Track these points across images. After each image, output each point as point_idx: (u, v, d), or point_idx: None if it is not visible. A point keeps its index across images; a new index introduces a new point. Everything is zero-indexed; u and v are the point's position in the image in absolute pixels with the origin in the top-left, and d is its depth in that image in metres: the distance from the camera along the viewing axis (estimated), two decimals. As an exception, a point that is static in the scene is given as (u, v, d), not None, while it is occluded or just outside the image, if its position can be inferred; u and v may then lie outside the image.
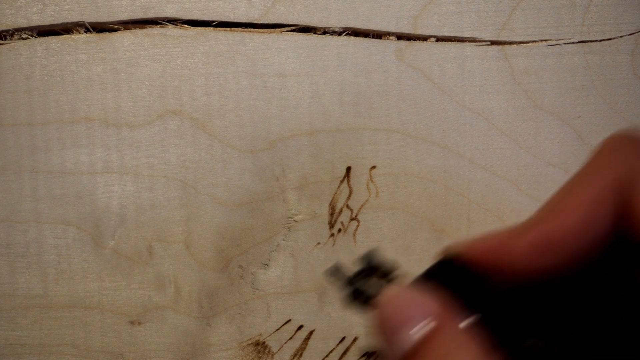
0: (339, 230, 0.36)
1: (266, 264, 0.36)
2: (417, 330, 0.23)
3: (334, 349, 0.36)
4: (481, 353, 0.22)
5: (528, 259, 0.23)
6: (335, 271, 0.28)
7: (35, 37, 0.35)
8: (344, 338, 0.36)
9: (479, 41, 0.36)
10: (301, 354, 0.36)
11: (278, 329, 0.36)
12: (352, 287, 0.26)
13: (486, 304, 0.24)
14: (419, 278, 0.26)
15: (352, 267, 0.28)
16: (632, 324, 0.25)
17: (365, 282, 0.27)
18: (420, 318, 0.23)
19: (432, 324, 0.23)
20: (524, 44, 0.36)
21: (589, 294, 0.26)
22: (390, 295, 0.24)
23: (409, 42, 0.36)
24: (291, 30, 0.35)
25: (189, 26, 0.35)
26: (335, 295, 0.36)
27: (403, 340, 0.23)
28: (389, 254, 0.36)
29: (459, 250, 0.25)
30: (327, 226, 0.36)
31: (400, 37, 0.36)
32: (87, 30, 0.35)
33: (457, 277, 0.25)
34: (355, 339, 0.36)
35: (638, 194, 0.22)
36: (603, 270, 0.25)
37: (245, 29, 0.35)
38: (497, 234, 0.25)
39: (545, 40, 0.36)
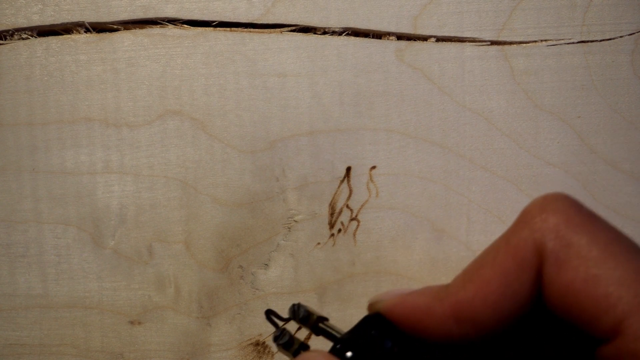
0: (339, 231, 0.36)
1: (266, 264, 0.36)
2: None
3: (334, 349, 0.36)
4: None
5: (447, 325, 0.24)
6: (268, 316, 0.29)
7: (35, 37, 0.35)
8: (344, 338, 0.36)
9: (479, 41, 0.36)
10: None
11: (278, 329, 0.36)
12: (283, 338, 0.28)
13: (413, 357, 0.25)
14: (346, 334, 0.26)
15: (284, 315, 0.29)
16: None
17: (293, 335, 0.28)
18: None
19: None
20: (524, 44, 0.36)
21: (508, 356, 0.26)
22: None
23: (409, 42, 0.36)
24: (291, 30, 0.35)
25: (189, 26, 0.35)
26: (335, 294, 0.36)
27: None
28: (389, 254, 0.36)
29: (383, 308, 0.26)
30: (327, 226, 0.36)
31: (400, 37, 0.36)
32: (87, 30, 0.35)
33: (382, 332, 0.26)
34: (355, 339, 0.36)
35: (548, 258, 0.22)
36: (524, 335, 0.26)
37: (245, 29, 0.35)
38: (419, 296, 0.25)
39: (545, 40, 0.36)
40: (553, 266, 0.22)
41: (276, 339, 0.28)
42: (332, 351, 0.26)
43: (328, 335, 0.27)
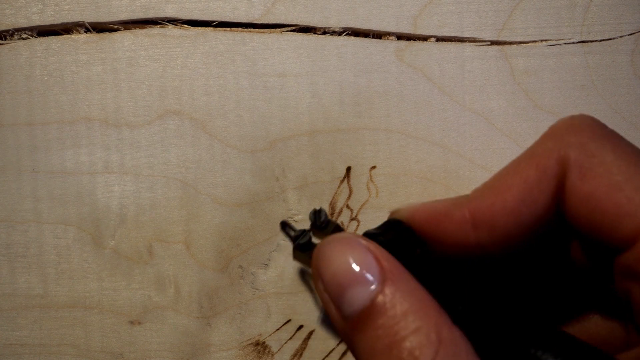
0: (339, 230, 0.36)
1: (266, 264, 0.36)
2: (367, 293, 0.22)
3: (334, 349, 0.36)
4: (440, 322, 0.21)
5: (465, 231, 0.23)
6: (284, 226, 0.29)
7: (35, 37, 0.35)
8: (344, 338, 0.36)
9: (479, 41, 0.36)
10: (301, 354, 0.36)
11: (278, 329, 0.36)
12: (301, 239, 0.27)
13: (425, 269, 0.24)
14: (364, 234, 0.26)
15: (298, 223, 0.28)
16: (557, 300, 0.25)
17: (311, 237, 0.27)
18: (371, 277, 0.22)
19: (381, 288, 0.21)
20: (524, 44, 0.36)
21: (524, 269, 0.26)
22: (339, 241, 0.23)
23: (409, 42, 0.36)
24: (291, 30, 0.35)
25: (189, 26, 0.35)
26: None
27: (357, 298, 0.22)
28: (389, 254, 0.36)
29: (404, 214, 0.25)
30: (327, 226, 0.36)
31: (400, 37, 0.36)
32: (87, 30, 0.35)
33: (400, 239, 0.25)
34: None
35: (572, 167, 0.22)
36: (541, 248, 0.25)
37: (245, 29, 0.35)
38: (439, 202, 0.25)
39: (545, 40, 0.36)
40: (576, 174, 0.22)
41: (296, 238, 0.27)
42: (367, 234, 0.25)
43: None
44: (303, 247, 0.27)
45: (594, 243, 0.22)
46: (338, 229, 0.27)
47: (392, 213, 0.27)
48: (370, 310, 0.21)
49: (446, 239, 0.24)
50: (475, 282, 0.26)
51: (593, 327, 0.25)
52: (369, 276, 0.22)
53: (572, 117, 0.24)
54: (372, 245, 0.23)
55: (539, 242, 0.24)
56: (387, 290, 0.21)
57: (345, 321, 0.22)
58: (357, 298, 0.22)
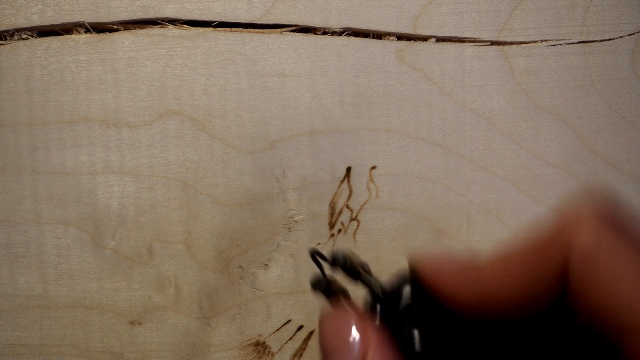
0: (339, 231, 0.36)
1: (266, 264, 0.36)
2: None
3: (334, 349, 0.36)
4: None
5: (472, 297, 0.25)
6: (314, 258, 0.29)
7: (35, 38, 0.35)
8: (344, 338, 0.36)
9: (479, 41, 0.36)
10: (301, 354, 0.36)
11: (278, 329, 0.36)
12: (320, 285, 0.28)
13: (433, 330, 0.26)
14: (377, 292, 0.27)
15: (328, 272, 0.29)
16: None
17: (336, 283, 0.28)
18: (351, 353, 0.25)
19: None
20: (524, 44, 0.36)
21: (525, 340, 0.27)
22: (333, 317, 0.26)
23: (409, 42, 0.36)
24: (291, 31, 0.35)
25: (189, 26, 0.35)
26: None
27: None
28: (389, 254, 0.36)
29: (418, 264, 0.26)
30: (327, 226, 0.36)
31: (400, 37, 0.36)
32: (87, 31, 0.35)
33: (413, 294, 0.26)
34: (355, 339, 0.36)
35: (574, 271, 0.23)
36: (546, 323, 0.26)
37: (245, 29, 0.35)
38: (454, 259, 0.26)
39: (545, 40, 0.36)
40: (579, 275, 0.23)
41: (314, 285, 0.28)
42: (368, 307, 0.26)
43: (365, 284, 0.28)
44: (324, 293, 0.29)
45: (596, 335, 0.24)
46: (343, 292, 0.28)
47: (408, 258, 0.28)
48: None
49: (454, 299, 0.26)
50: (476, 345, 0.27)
51: None
52: None
53: (580, 210, 0.25)
54: (359, 332, 0.26)
55: (545, 318, 0.25)
56: None
57: None
58: None
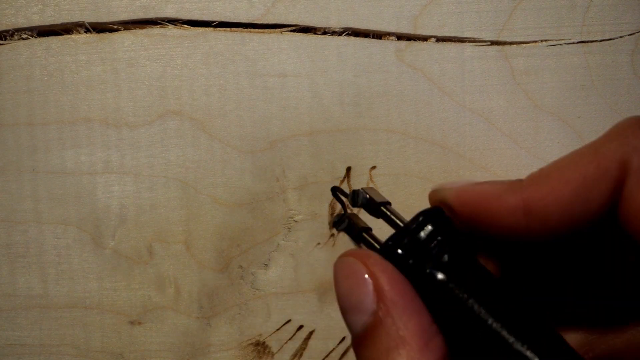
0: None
1: (266, 264, 0.36)
2: (361, 322, 0.23)
3: (334, 349, 0.36)
4: (418, 353, 0.22)
5: (516, 217, 0.23)
6: (336, 195, 0.29)
7: (35, 37, 0.35)
8: (344, 338, 0.36)
9: (479, 41, 0.36)
10: (301, 354, 0.36)
11: (278, 329, 0.36)
12: (342, 224, 0.28)
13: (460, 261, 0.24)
14: (403, 227, 0.26)
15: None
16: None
17: (352, 220, 0.28)
18: (370, 304, 0.23)
19: (377, 315, 0.23)
20: (524, 44, 0.36)
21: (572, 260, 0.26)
22: (346, 263, 0.25)
23: (409, 42, 0.36)
24: (291, 31, 0.35)
25: (189, 26, 0.35)
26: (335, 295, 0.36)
27: (355, 323, 0.24)
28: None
29: (449, 195, 0.25)
30: (328, 226, 0.36)
31: (400, 37, 0.36)
32: (87, 31, 0.35)
33: (440, 229, 0.25)
34: (355, 339, 0.36)
35: (632, 173, 0.22)
36: (590, 243, 0.25)
37: (245, 29, 0.35)
38: (489, 185, 0.24)
39: (545, 40, 0.36)
40: (635, 182, 0.22)
41: (335, 224, 0.28)
42: (383, 248, 0.25)
43: (386, 220, 0.27)
44: (346, 231, 0.28)
45: None
46: (365, 230, 0.28)
47: (434, 191, 0.26)
48: (364, 336, 0.23)
49: (494, 223, 0.24)
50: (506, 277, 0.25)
51: (632, 337, 0.25)
52: (365, 304, 0.24)
53: (639, 118, 0.23)
54: (378, 268, 0.24)
55: (589, 238, 0.24)
56: (380, 319, 0.23)
57: (352, 336, 0.24)
58: (353, 324, 0.24)
